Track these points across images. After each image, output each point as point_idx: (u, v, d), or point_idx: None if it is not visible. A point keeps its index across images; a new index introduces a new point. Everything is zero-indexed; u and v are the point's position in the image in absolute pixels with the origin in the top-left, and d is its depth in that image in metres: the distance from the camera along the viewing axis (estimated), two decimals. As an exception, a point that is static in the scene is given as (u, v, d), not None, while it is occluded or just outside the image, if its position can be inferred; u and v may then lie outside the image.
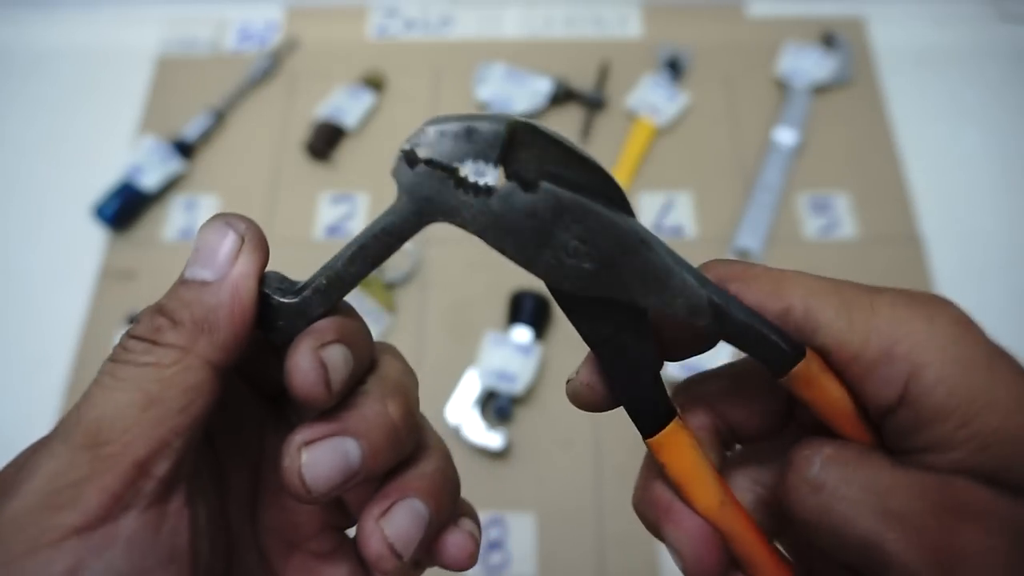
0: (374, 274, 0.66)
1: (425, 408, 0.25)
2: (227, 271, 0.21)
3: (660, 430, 0.23)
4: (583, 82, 0.82)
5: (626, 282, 0.22)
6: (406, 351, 0.26)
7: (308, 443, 0.21)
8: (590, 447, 0.63)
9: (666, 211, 0.75)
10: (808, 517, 0.20)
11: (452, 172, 0.21)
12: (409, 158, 0.21)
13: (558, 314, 0.68)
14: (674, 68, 0.82)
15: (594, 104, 0.80)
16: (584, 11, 0.88)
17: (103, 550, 0.18)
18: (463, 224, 0.21)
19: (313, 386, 0.20)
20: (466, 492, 0.26)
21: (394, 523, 0.22)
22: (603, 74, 0.82)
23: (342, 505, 0.26)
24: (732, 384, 0.25)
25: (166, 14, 0.89)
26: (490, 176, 0.21)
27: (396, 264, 0.70)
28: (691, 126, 0.80)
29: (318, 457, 0.21)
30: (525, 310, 0.66)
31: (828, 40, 0.84)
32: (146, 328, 0.21)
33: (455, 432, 0.63)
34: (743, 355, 0.22)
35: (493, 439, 0.62)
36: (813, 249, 0.72)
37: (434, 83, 0.84)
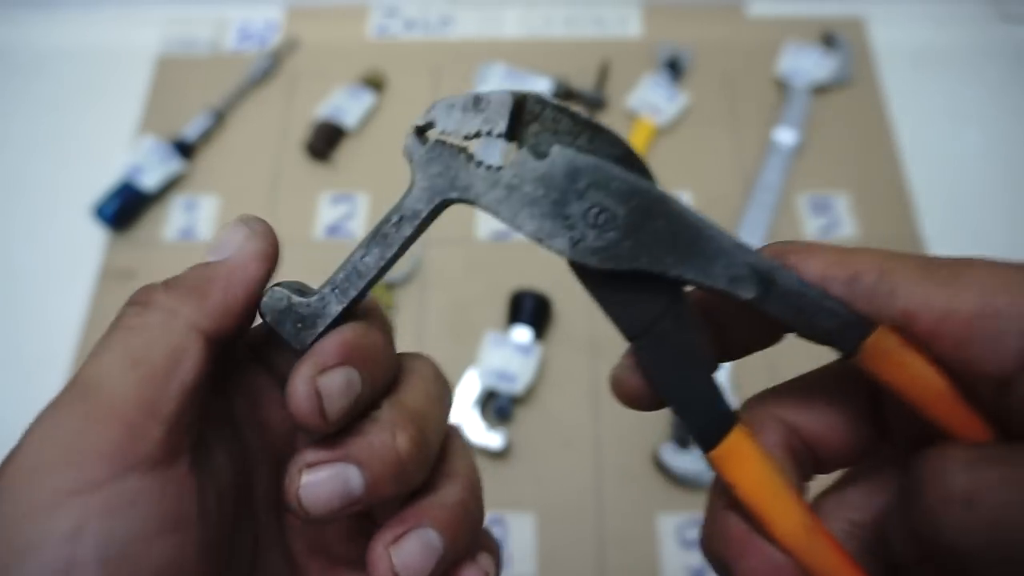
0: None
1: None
2: (231, 253, 0.22)
3: (721, 439, 0.20)
4: (583, 82, 0.82)
5: (656, 250, 0.20)
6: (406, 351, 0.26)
7: (309, 465, 0.20)
8: (590, 447, 0.63)
9: (666, 211, 0.75)
10: (967, 540, 0.16)
11: (462, 145, 0.20)
12: (419, 134, 0.21)
13: (558, 314, 0.68)
14: (674, 68, 0.82)
15: (594, 104, 0.80)
16: (584, 11, 0.88)
17: (105, 511, 0.18)
18: (476, 199, 0.20)
19: (307, 415, 0.20)
20: (466, 492, 0.26)
21: (404, 552, 0.21)
22: (603, 74, 0.82)
23: (370, 514, 0.25)
24: (805, 392, 0.21)
25: (166, 14, 0.89)
26: (500, 147, 0.20)
27: (396, 264, 0.70)
28: (691, 126, 0.80)
29: (317, 481, 0.20)
30: (525, 310, 0.66)
31: (828, 40, 0.84)
32: (140, 292, 0.21)
33: (455, 432, 0.63)
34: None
35: (493, 439, 0.62)
36: (813, 249, 0.72)
37: (434, 83, 0.84)
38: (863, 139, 0.79)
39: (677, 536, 0.60)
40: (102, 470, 0.18)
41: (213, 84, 0.83)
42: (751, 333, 0.21)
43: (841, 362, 0.19)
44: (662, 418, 0.63)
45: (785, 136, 0.77)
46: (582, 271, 0.21)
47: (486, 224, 0.73)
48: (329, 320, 0.21)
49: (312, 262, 0.66)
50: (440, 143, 0.20)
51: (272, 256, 0.22)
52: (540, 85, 0.80)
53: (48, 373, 0.68)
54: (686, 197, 0.75)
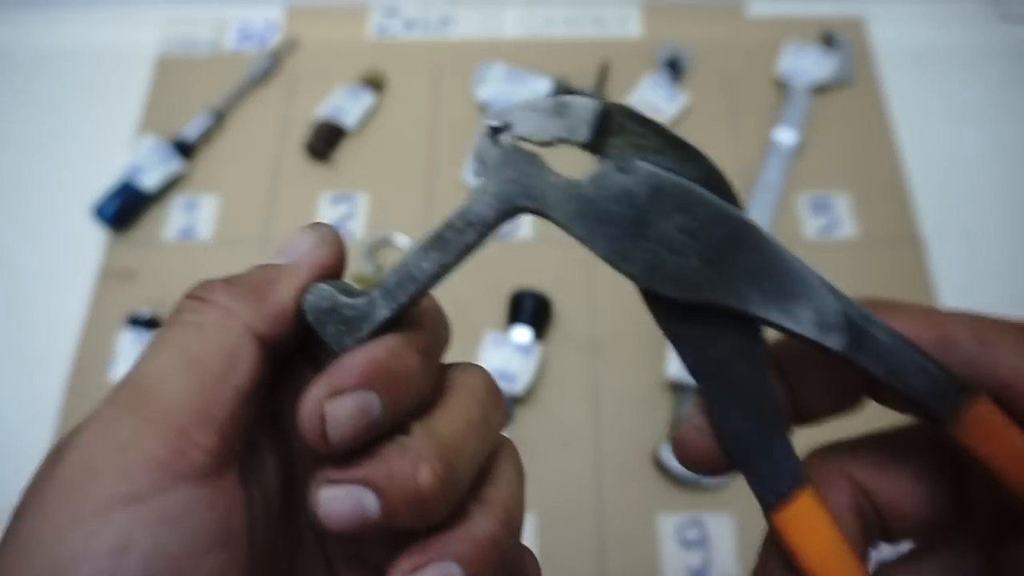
0: (373, 274, 0.66)
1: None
2: (297, 258, 0.21)
3: (787, 502, 0.18)
4: (583, 82, 0.82)
5: (739, 284, 0.18)
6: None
7: (328, 481, 0.19)
8: (590, 447, 0.63)
9: (666, 211, 0.75)
10: None
11: (539, 152, 0.19)
12: (495, 135, 0.19)
13: (558, 314, 0.68)
14: (674, 68, 0.82)
15: (594, 104, 0.80)
16: (584, 11, 0.88)
17: (153, 525, 0.17)
18: (548, 211, 0.19)
19: (311, 438, 0.19)
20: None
21: None
22: (603, 74, 0.82)
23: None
24: (883, 452, 0.19)
25: (166, 14, 0.89)
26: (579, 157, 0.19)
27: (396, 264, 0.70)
28: (691, 126, 0.80)
29: (334, 497, 0.19)
30: (525, 310, 0.66)
31: (828, 40, 0.84)
32: (200, 287, 0.20)
33: (455, 432, 0.63)
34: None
35: (493, 439, 0.62)
36: (813, 249, 0.72)
37: (434, 83, 0.84)
38: (863, 139, 0.79)
39: (677, 536, 0.60)
40: (151, 480, 0.17)
41: (213, 84, 0.83)
42: (828, 392, 0.20)
43: (926, 426, 0.18)
44: (662, 418, 0.63)
45: (785, 136, 0.77)
46: (654, 300, 0.19)
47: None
48: (375, 325, 0.20)
49: (312, 262, 0.66)
50: (516, 147, 0.19)
51: (338, 265, 0.22)
52: (540, 85, 0.80)
53: (48, 373, 0.68)
54: (686, 197, 0.75)
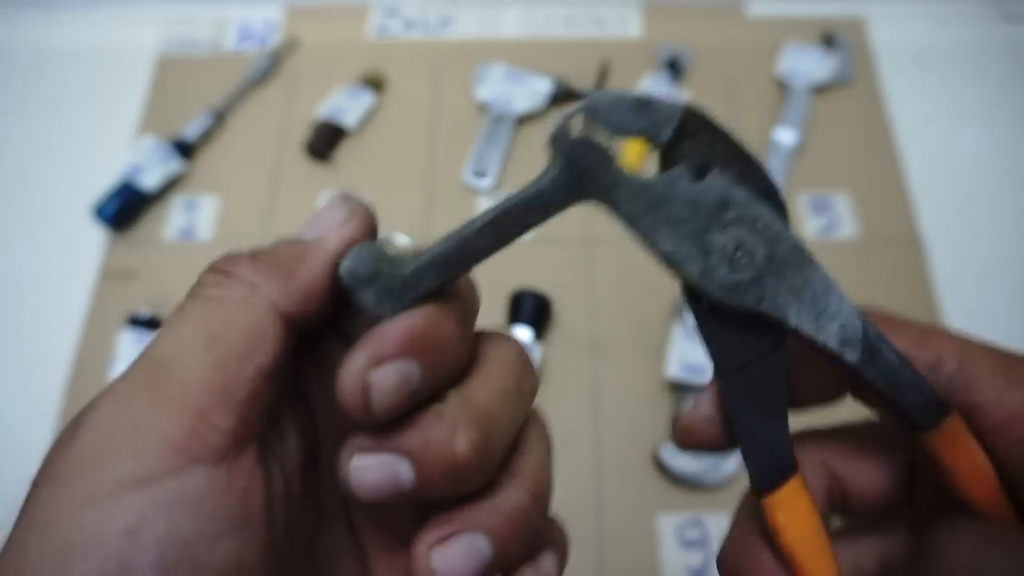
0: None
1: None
2: (327, 233, 0.20)
3: (779, 486, 0.20)
4: (583, 82, 0.82)
5: (782, 298, 0.20)
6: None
7: (361, 450, 0.19)
8: (590, 447, 0.63)
9: (666, 211, 0.75)
10: None
11: (615, 146, 0.19)
12: (574, 124, 0.19)
13: (558, 314, 0.68)
14: (674, 68, 0.82)
15: (594, 104, 0.80)
16: (584, 11, 0.88)
17: (167, 508, 0.16)
18: (615, 206, 0.19)
19: (353, 408, 0.18)
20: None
21: (446, 556, 0.19)
22: (603, 74, 0.82)
23: None
24: (857, 442, 0.22)
25: (166, 14, 0.89)
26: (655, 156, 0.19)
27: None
28: (691, 126, 0.80)
29: (367, 466, 0.19)
30: (525, 310, 0.66)
31: (828, 40, 0.84)
32: (224, 260, 0.20)
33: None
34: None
35: (493, 439, 0.62)
36: (813, 249, 0.71)
37: (434, 83, 0.84)
38: (863, 139, 0.79)
39: (677, 536, 0.60)
40: (166, 462, 0.17)
41: (213, 84, 0.83)
42: (820, 386, 0.22)
43: (901, 429, 0.20)
44: (662, 418, 0.63)
45: (785, 136, 0.77)
46: (696, 299, 0.20)
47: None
48: (419, 294, 0.20)
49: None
50: (593, 138, 0.19)
51: (368, 235, 0.21)
52: (540, 85, 0.80)
53: (48, 373, 0.68)
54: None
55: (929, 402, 0.20)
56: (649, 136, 0.19)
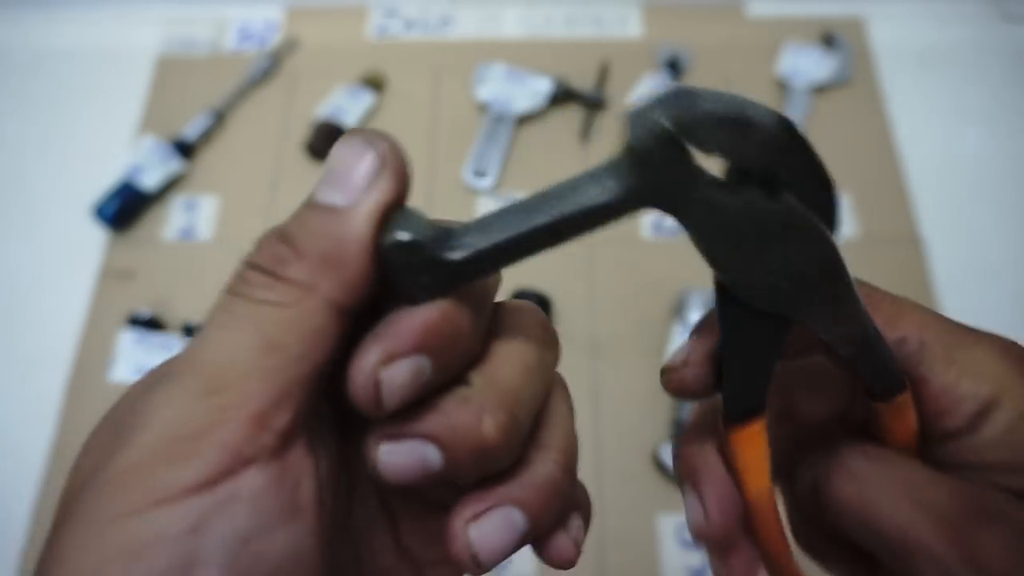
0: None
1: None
2: (361, 196, 0.19)
3: (747, 423, 0.22)
4: (583, 82, 0.82)
5: (816, 308, 0.20)
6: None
7: (388, 437, 0.19)
8: (590, 447, 0.63)
9: (666, 211, 0.75)
10: (845, 504, 0.22)
11: (697, 157, 0.17)
12: (653, 120, 0.17)
13: (558, 314, 0.68)
14: (674, 68, 0.82)
15: (594, 104, 0.80)
16: (584, 11, 0.88)
17: (225, 508, 0.17)
18: (681, 216, 0.18)
19: (364, 404, 0.18)
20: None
21: (482, 530, 0.20)
22: (603, 74, 0.82)
23: None
24: (815, 377, 0.25)
25: (166, 14, 0.89)
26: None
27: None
28: (691, 126, 0.80)
29: (395, 452, 0.19)
30: (525, 310, 0.66)
31: (828, 40, 0.84)
32: (267, 257, 0.19)
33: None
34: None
35: (493, 439, 0.62)
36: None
37: (434, 83, 0.84)
38: (863, 139, 0.79)
39: (677, 536, 0.60)
40: (223, 463, 0.17)
41: (213, 84, 0.83)
42: (805, 350, 0.24)
43: (862, 392, 0.23)
44: (662, 418, 0.63)
45: (785, 136, 0.77)
46: (725, 294, 0.20)
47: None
48: (467, 282, 0.19)
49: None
50: (673, 146, 0.17)
51: (405, 191, 0.19)
52: (540, 85, 0.80)
53: (48, 373, 0.68)
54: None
55: (896, 380, 0.22)
56: (740, 162, 0.18)
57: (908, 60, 0.84)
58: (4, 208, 0.78)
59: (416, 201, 0.20)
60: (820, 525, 0.24)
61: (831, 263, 0.20)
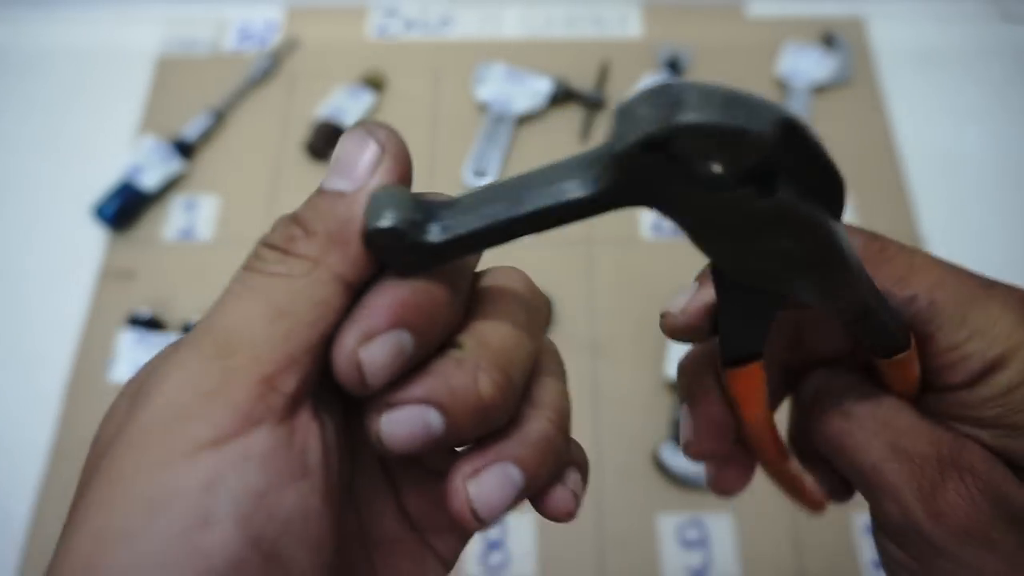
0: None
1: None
2: (364, 182, 0.20)
3: (742, 365, 0.23)
4: (583, 82, 0.82)
5: (804, 284, 0.20)
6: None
7: (388, 406, 0.20)
8: (590, 447, 0.63)
9: (666, 211, 0.75)
10: (830, 435, 0.24)
11: (694, 162, 0.17)
12: (640, 116, 0.17)
13: (558, 314, 0.68)
14: (674, 68, 0.82)
15: (594, 104, 0.80)
16: (584, 11, 0.88)
17: (239, 465, 0.18)
18: (667, 211, 0.18)
19: (350, 385, 0.19)
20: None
21: (481, 486, 0.20)
22: (603, 74, 0.82)
23: None
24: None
25: (166, 14, 0.89)
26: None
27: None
28: (691, 126, 0.80)
29: (397, 420, 0.19)
30: (525, 310, 0.66)
31: (828, 40, 0.84)
32: (280, 236, 0.20)
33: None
34: None
35: (493, 439, 0.62)
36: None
37: (434, 83, 0.84)
38: (863, 139, 0.79)
39: (677, 536, 0.60)
40: (235, 425, 0.18)
41: (213, 84, 0.83)
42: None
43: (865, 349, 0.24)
44: (662, 418, 0.63)
45: (785, 136, 0.77)
46: (721, 274, 0.21)
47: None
48: (447, 262, 0.20)
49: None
50: (663, 152, 0.16)
51: (405, 176, 0.21)
52: (540, 85, 0.80)
53: (48, 373, 0.68)
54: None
55: (900, 341, 0.22)
56: (726, 157, 0.17)
57: (908, 60, 0.84)
58: (4, 208, 0.78)
59: (416, 201, 0.20)
60: (812, 439, 0.26)
61: (828, 251, 0.20)
